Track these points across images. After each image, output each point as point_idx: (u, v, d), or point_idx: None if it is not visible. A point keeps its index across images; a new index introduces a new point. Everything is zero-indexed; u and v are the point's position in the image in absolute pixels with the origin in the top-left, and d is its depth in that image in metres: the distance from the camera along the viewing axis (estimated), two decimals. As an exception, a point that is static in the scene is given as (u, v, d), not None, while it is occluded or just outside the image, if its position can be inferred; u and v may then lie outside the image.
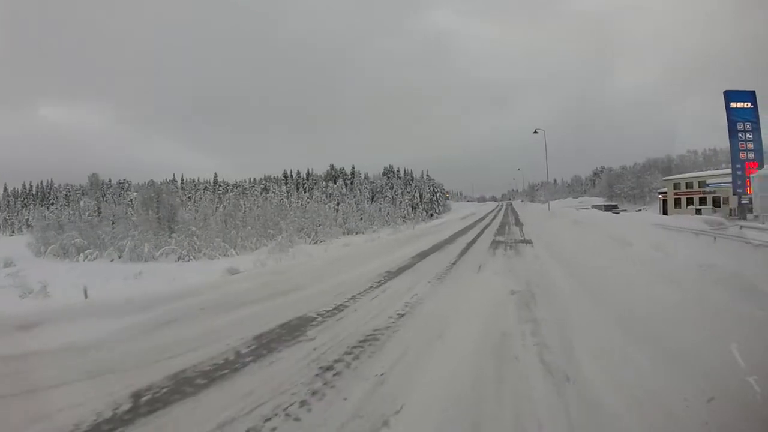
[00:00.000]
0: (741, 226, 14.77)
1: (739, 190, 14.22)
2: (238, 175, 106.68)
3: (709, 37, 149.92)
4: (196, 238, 40.14)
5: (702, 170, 63.29)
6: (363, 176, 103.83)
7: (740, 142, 14.49)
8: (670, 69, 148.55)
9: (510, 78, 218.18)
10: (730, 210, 41.66)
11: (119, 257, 32.75)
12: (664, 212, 51.18)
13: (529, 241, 14.71)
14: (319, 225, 56.99)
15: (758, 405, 2.69)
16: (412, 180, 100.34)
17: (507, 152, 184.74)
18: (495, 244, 14.44)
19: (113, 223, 44.04)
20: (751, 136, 14.36)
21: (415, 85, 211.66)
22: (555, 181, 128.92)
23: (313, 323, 5.52)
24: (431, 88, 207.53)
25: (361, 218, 64.92)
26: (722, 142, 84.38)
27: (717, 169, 60.11)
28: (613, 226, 15.15)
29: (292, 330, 5.21)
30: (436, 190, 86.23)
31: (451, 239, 17.39)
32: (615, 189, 72.40)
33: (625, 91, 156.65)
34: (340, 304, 6.53)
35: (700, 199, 46.32)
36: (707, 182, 42.10)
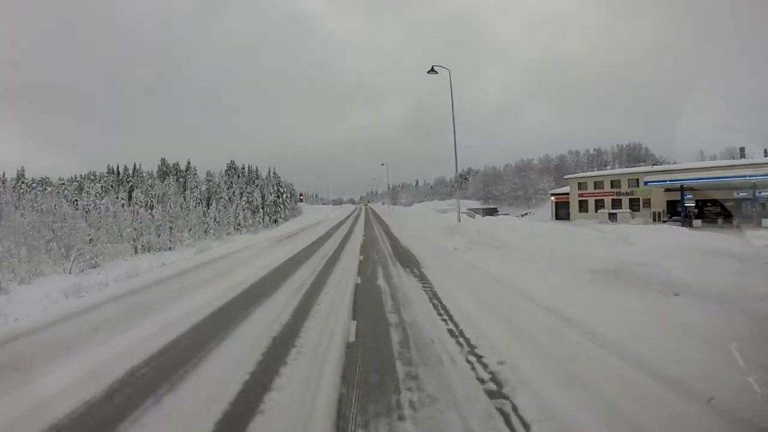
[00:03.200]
0: None
1: None
2: (80, 170, 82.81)
3: (566, 49, 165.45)
4: None
5: (591, 170, 59.64)
6: (206, 173, 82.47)
7: None
8: (526, 78, 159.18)
9: (373, 75, 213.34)
10: (654, 214, 35.85)
11: None
12: (559, 217, 43.80)
13: None
14: (90, 241, 35.84)
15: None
16: (257, 178, 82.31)
17: (367, 153, 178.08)
18: None
19: None
20: None
21: (270, 75, 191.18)
22: (417, 182, 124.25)
23: None
24: (289, 79, 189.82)
25: (171, 228, 44.91)
26: (606, 143, 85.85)
27: (628, 166, 55.75)
28: None
29: None
30: (282, 191, 69.26)
31: None
32: (492, 190, 65.68)
33: (488, 95, 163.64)
34: None
35: (614, 201, 40.08)
36: (646, 180, 34.67)
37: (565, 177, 47.51)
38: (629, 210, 38.63)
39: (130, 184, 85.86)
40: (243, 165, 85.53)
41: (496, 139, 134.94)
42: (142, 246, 40.71)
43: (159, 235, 41.48)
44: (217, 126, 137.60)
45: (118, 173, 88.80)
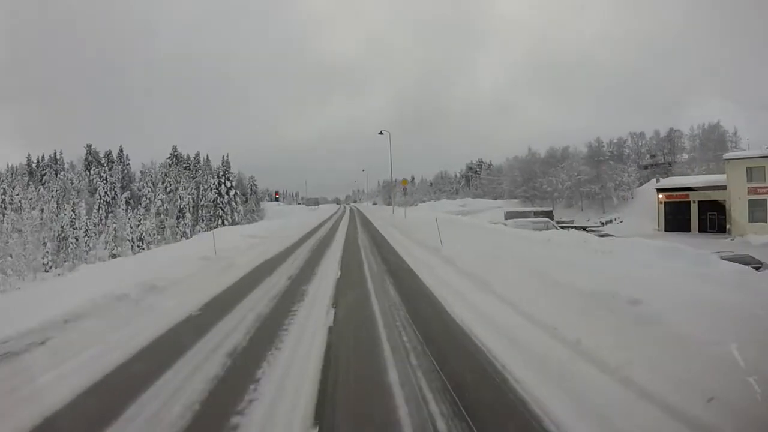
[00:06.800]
0: None
1: None
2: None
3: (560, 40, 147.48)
4: None
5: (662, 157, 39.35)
6: (156, 165, 61.71)
7: None
8: (535, 62, 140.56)
9: (363, 63, 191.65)
10: None
11: None
12: (671, 227, 25.11)
13: None
14: None
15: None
16: (202, 169, 61.09)
17: (353, 150, 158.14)
18: None
19: None
20: None
21: (243, 57, 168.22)
22: (413, 178, 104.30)
23: None
24: (265, 61, 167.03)
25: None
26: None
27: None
28: None
29: None
30: (229, 185, 46.29)
31: None
32: (542, 185, 43.20)
33: (482, 87, 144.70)
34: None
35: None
36: None
37: (726, 157, 27.45)
38: None
39: (43, 176, 65.29)
40: (194, 154, 64.21)
41: (505, 129, 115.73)
42: None
43: None
44: (187, 116, 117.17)
45: (39, 163, 68.28)
